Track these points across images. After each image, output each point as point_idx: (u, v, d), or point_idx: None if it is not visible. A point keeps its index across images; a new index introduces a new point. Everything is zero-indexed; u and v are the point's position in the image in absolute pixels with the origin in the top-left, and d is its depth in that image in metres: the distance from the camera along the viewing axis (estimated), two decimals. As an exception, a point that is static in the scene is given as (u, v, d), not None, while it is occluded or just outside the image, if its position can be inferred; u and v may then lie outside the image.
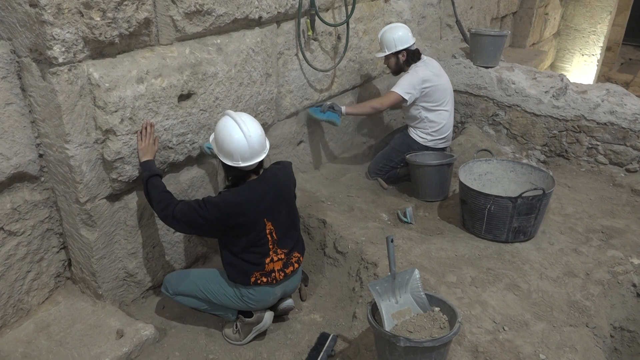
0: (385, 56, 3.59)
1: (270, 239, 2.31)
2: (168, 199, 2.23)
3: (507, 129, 4.14)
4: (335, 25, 3.42)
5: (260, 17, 2.82)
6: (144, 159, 2.29)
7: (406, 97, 3.43)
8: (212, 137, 2.31)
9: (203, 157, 2.73)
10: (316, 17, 3.19)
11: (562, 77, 4.05)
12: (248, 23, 2.79)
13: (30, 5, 1.85)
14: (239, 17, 2.67)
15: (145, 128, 2.28)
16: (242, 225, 2.23)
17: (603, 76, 9.52)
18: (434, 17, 4.99)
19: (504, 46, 4.30)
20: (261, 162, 2.29)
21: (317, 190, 3.43)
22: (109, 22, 2.05)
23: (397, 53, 3.52)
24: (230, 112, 2.25)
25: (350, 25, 3.58)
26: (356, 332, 2.39)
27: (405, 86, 3.43)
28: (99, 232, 2.32)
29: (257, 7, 2.76)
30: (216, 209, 2.17)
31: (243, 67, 2.77)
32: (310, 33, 3.24)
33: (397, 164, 3.69)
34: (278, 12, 2.94)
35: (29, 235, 2.29)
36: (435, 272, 2.60)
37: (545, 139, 3.96)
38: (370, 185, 3.70)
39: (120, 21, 2.09)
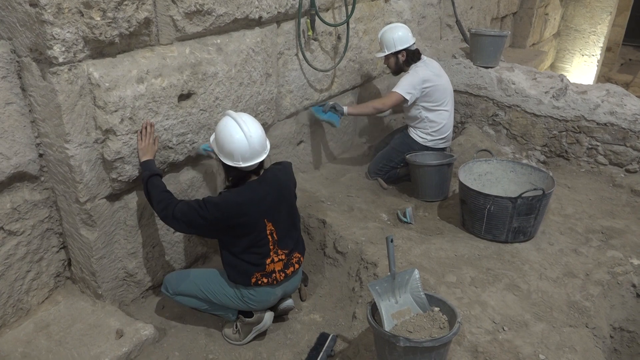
0: (385, 56, 3.59)
1: (270, 239, 2.31)
2: (168, 199, 2.23)
3: (507, 129, 4.14)
4: (335, 25, 3.42)
5: (260, 17, 2.82)
6: (144, 159, 2.29)
7: (407, 97, 3.43)
8: (212, 137, 2.30)
9: (203, 157, 2.73)
10: (316, 17, 3.19)
11: (562, 78, 4.05)
12: (248, 23, 2.79)
13: (31, 5, 1.85)
14: (239, 17, 2.67)
15: (145, 128, 2.28)
16: (242, 226, 2.23)
17: (603, 77, 9.52)
18: (434, 17, 4.99)
19: (504, 46, 4.30)
20: (262, 163, 2.29)
21: (317, 190, 3.43)
22: (109, 22, 2.05)
23: (396, 53, 3.52)
24: (231, 112, 2.25)
25: (351, 25, 3.58)
26: (356, 332, 2.39)
27: (406, 86, 3.43)
28: (98, 231, 2.32)
29: (257, 7, 2.76)
30: (216, 209, 2.17)
31: (243, 67, 2.77)
32: (310, 33, 3.24)
33: (397, 164, 3.69)
34: (278, 12, 2.94)
35: (28, 235, 2.29)
36: (434, 272, 2.60)
37: (545, 140, 3.96)
38: (370, 185, 3.70)
39: (121, 21, 2.09)
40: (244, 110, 2.79)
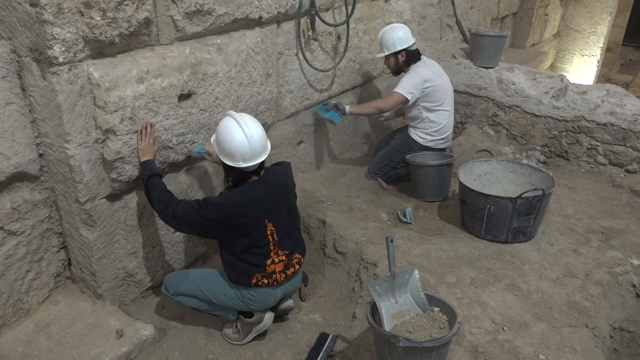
0: (385, 56, 3.59)
1: (271, 239, 2.30)
2: (168, 199, 2.23)
3: (507, 129, 4.14)
4: (335, 25, 3.42)
5: (260, 17, 2.82)
6: (144, 159, 2.29)
7: (408, 97, 3.43)
8: (213, 137, 2.30)
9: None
10: (316, 17, 3.19)
11: (562, 78, 4.05)
12: (248, 23, 2.79)
13: (31, 5, 1.85)
14: (239, 17, 2.67)
15: (145, 128, 2.28)
16: (242, 226, 2.23)
17: (603, 77, 9.52)
18: (434, 17, 5.00)
19: (504, 47, 4.30)
20: (262, 163, 2.29)
21: (317, 190, 3.43)
22: (109, 22, 2.05)
23: (396, 53, 3.52)
24: (232, 112, 2.25)
25: (351, 25, 3.58)
26: (356, 332, 2.39)
27: (407, 86, 3.44)
28: (98, 231, 2.32)
29: (257, 7, 2.76)
30: (217, 209, 2.17)
31: (243, 67, 2.77)
32: (310, 33, 3.24)
33: (397, 164, 3.69)
34: (278, 12, 2.94)
35: (28, 234, 2.29)
36: (434, 273, 2.60)
37: (545, 140, 3.96)
38: (370, 185, 3.70)
39: (121, 21, 2.09)
40: (244, 110, 2.79)
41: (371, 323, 1.95)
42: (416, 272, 2.13)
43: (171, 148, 2.48)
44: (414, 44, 3.53)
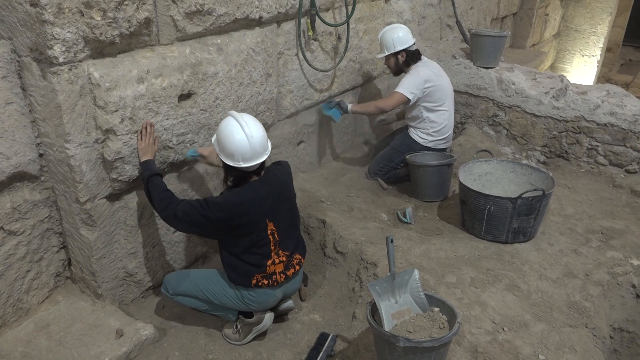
0: (386, 57, 3.59)
1: (272, 239, 2.30)
2: (169, 198, 2.23)
3: (507, 129, 4.14)
4: (335, 26, 3.42)
5: (260, 17, 2.82)
6: (144, 159, 2.29)
7: (410, 97, 3.43)
8: (214, 137, 2.30)
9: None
10: (316, 17, 3.19)
11: (562, 78, 4.05)
12: (248, 23, 2.79)
13: (31, 5, 1.86)
14: (239, 17, 2.67)
15: (145, 128, 2.28)
16: (243, 226, 2.23)
17: (603, 77, 9.52)
18: (434, 17, 5.00)
19: (504, 47, 4.30)
20: (263, 163, 2.29)
21: (317, 190, 3.43)
22: (110, 22, 2.05)
23: (396, 54, 3.53)
24: (233, 112, 2.25)
25: (351, 26, 3.58)
26: (356, 332, 2.39)
27: (408, 86, 3.44)
28: (98, 231, 2.32)
29: (257, 7, 2.76)
30: (218, 209, 2.17)
31: (243, 67, 2.77)
32: (310, 33, 3.24)
33: (397, 164, 3.69)
34: (278, 12, 2.94)
35: (28, 234, 2.29)
36: (434, 273, 2.60)
37: (545, 140, 3.96)
38: (370, 185, 3.70)
39: (121, 21, 2.09)
40: (244, 110, 2.79)
41: (371, 323, 1.95)
42: (416, 272, 2.13)
43: (171, 148, 2.48)
44: (414, 44, 3.54)
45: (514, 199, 2.77)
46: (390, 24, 3.96)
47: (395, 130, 4.19)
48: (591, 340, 2.23)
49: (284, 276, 2.37)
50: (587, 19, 8.59)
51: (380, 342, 1.97)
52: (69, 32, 1.92)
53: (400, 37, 3.48)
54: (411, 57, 3.54)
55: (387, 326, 1.99)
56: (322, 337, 2.43)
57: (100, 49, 2.10)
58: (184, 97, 2.48)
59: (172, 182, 2.59)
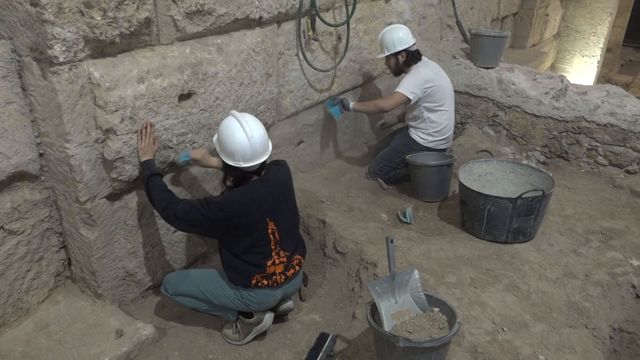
0: (386, 57, 3.60)
1: (272, 238, 2.30)
2: (169, 198, 2.23)
3: (507, 129, 4.14)
4: (335, 26, 3.42)
5: (260, 17, 2.82)
6: (143, 159, 2.29)
7: (410, 97, 3.43)
8: (215, 137, 2.30)
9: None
10: (317, 17, 3.19)
11: (562, 78, 4.05)
12: (249, 23, 2.79)
13: (31, 5, 1.85)
14: (239, 17, 2.67)
15: (146, 128, 2.28)
16: (244, 225, 2.23)
17: (603, 77, 9.52)
18: (435, 17, 5.00)
19: (504, 47, 4.30)
20: (263, 163, 2.29)
21: (317, 190, 3.43)
22: (110, 22, 2.05)
23: (396, 54, 3.53)
24: (235, 112, 2.25)
25: (351, 26, 3.58)
26: (355, 333, 2.39)
27: (409, 86, 3.44)
28: (98, 231, 2.32)
29: (257, 7, 2.76)
30: (219, 208, 2.17)
31: (243, 67, 2.77)
32: (310, 33, 3.24)
33: (397, 164, 3.69)
34: (279, 12, 2.94)
35: (28, 234, 2.29)
36: (434, 273, 2.60)
37: (545, 140, 3.96)
38: (370, 185, 3.70)
39: (121, 20, 2.09)
40: (244, 110, 2.79)
41: (371, 323, 1.95)
42: (416, 272, 2.13)
43: (171, 148, 2.48)
44: (414, 44, 3.54)
45: (513, 199, 2.77)
46: (390, 24, 3.96)
47: (395, 130, 4.19)
48: (591, 341, 2.23)
49: (283, 277, 2.37)
50: (587, 20, 8.59)
51: (380, 342, 1.97)
52: (69, 31, 1.92)
53: (401, 37, 3.48)
54: (411, 57, 3.54)
55: (387, 326, 1.99)
56: (322, 337, 2.43)
57: (101, 49, 2.10)
58: (184, 97, 2.48)
59: (172, 182, 2.59)
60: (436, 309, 2.05)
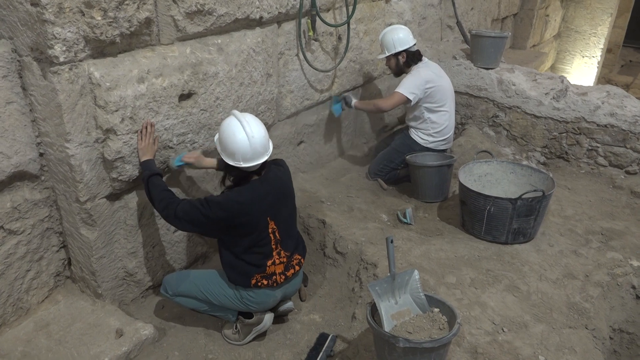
0: (386, 58, 3.60)
1: (272, 238, 2.30)
2: (169, 198, 2.23)
3: (507, 130, 4.14)
4: (336, 26, 3.42)
5: (261, 17, 2.82)
6: (144, 159, 2.29)
7: (410, 98, 3.43)
8: (216, 137, 2.30)
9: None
10: (317, 18, 3.19)
11: (562, 79, 4.05)
12: (249, 23, 2.79)
13: (32, 5, 1.86)
14: (240, 17, 2.67)
15: (146, 127, 2.28)
16: (244, 225, 2.23)
17: (603, 78, 9.52)
18: (435, 18, 5.00)
19: (505, 47, 4.30)
20: (264, 163, 2.29)
21: (317, 190, 3.43)
22: (110, 22, 2.05)
23: (397, 54, 3.53)
24: (236, 112, 2.25)
25: (351, 26, 3.58)
26: (355, 333, 2.39)
27: (409, 87, 3.44)
28: (98, 231, 2.32)
29: (258, 7, 2.76)
30: (219, 208, 2.17)
31: (244, 67, 2.77)
32: (311, 33, 3.24)
33: (397, 165, 3.69)
34: (279, 13, 2.95)
35: (28, 234, 2.29)
36: (434, 273, 2.60)
37: (545, 141, 3.96)
38: (370, 185, 3.70)
39: (122, 20, 2.09)
40: (244, 110, 2.79)
41: (371, 323, 1.95)
42: (416, 272, 2.13)
43: (171, 148, 2.48)
44: (414, 44, 3.54)
45: (514, 200, 2.77)
46: (390, 24, 3.96)
47: (395, 130, 4.19)
48: (591, 341, 2.23)
49: (283, 277, 2.37)
50: (588, 20, 8.59)
51: (380, 342, 1.97)
52: (69, 31, 1.93)
53: (401, 37, 3.48)
54: (412, 57, 3.54)
55: (387, 327, 1.99)
56: (322, 338, 2.43)
57: (101, 49, 2.10)
58: (185, 97, 2.48)
59: (172, 182, 2.59)
60: (436, 310, 2.05)
